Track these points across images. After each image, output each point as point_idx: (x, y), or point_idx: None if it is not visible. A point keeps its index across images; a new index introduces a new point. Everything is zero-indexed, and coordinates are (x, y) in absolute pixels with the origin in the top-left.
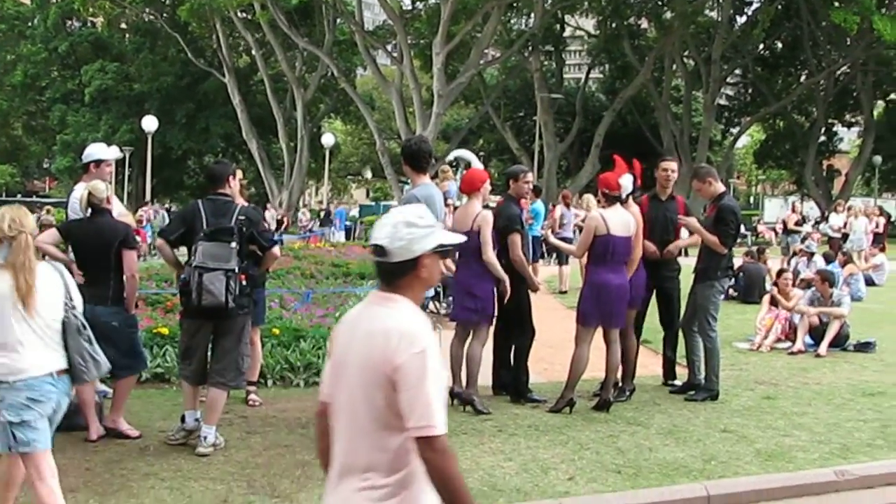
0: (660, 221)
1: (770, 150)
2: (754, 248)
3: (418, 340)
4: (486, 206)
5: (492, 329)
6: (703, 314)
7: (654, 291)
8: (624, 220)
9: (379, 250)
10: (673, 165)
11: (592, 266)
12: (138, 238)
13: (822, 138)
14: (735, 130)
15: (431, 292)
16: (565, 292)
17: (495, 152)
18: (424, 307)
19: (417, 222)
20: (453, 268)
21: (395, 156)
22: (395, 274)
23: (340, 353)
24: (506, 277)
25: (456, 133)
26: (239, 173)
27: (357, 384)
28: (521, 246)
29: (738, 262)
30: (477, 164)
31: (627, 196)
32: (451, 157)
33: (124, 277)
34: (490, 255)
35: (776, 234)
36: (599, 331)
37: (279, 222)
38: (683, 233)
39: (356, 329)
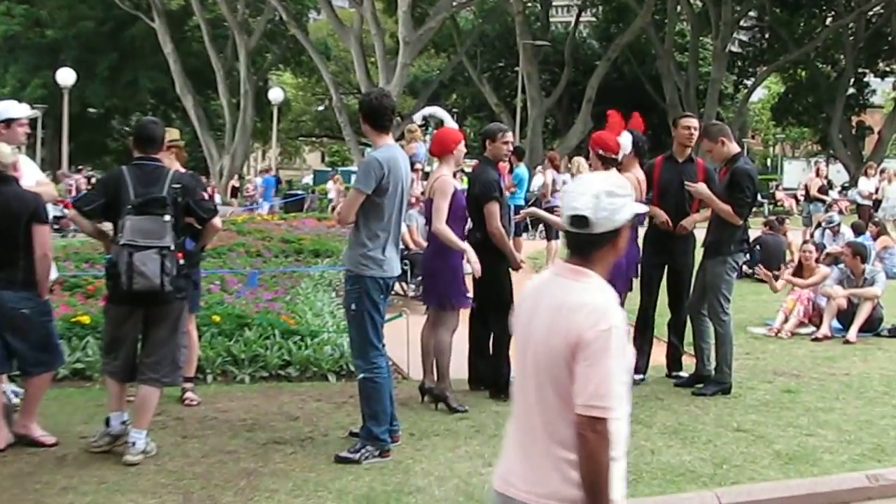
0: (675, 187)
1: (790, 105)
2: (772, 218)
3: (607, 317)
4: (461, 172)
5: (467, 313)
6: (714, 294)
7: (665, 269)
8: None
9: (580, 221)
10: (695, 123)
11: None
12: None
13: (851, 90)
14: (749, 82)
15: (398, 271)
16: None
17: (471, 109)
18: (389, 288)
19: (618, 191)
20: (423, 243)
21: (353, 114)
22: (593, 245)
23: (522, 326)
24: (467, 248)
25: (425, 87)
26: (174, 132)
27: (543, 359)
28: (500, 217)
29: (753, 233)
30: (450, 123)
31: (625, 157)
32: (420, 115)
33: (35, 257)
34: (440, 224)
35: (797, 201)
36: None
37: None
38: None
39: (540, 302)
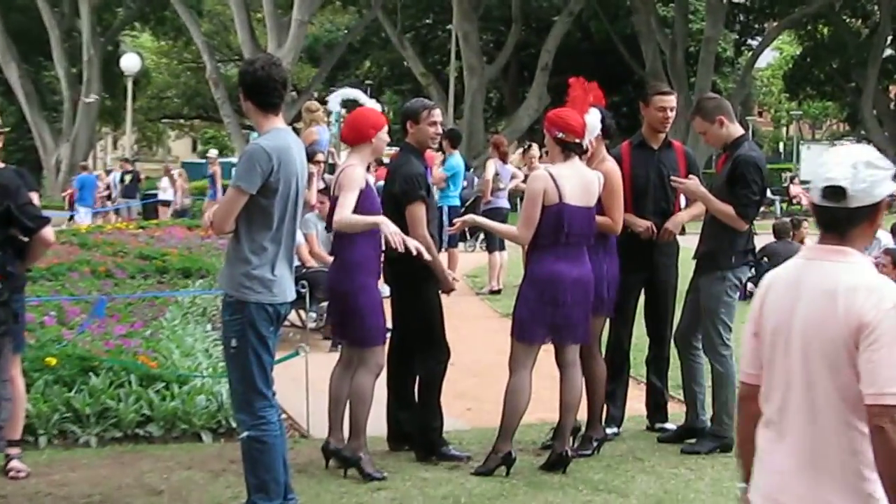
0: (652, 182)
1: (809, 72)
2: (786, 221)
3: (889, 295)
4: (378, 165)
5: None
6: (710, 321)
7: (643, 288)
8: (585, 182)
9: (836, 193)
10: (672, 100)
11: (538, 251)
12: None
13: (889, 52)
14: (755, 42)
15: (292, 294)
16: (498, 291)
17: (389, 80)
18: (282, 317)
19: (878, 163)
20: (327, 257)
21: (233, 88)
22: (850, 221)
23: (777, 320)
24: (381, 220)
25: (328, 52)
26: None
27: (816, 351)
28: (427, 222)
29: (760, 241)
30: (369, 103)
31: (593, 143)
32: (336, 100)
33: None
34: (343, 214)
35: None
36: (550, 351)
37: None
38: (685, 199)
39: (801, 291)
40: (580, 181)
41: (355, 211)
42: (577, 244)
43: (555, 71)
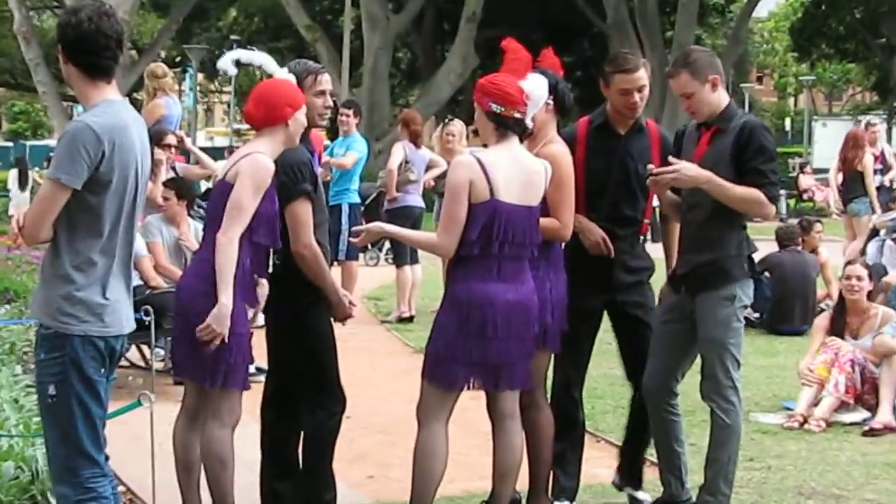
0: (612, 178)
1: (824, 24)
2: (793, 223)
3: None
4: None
5: (255, 396)
6: (718, 357)
7: (601, 316)
8: (527, 173)
9: None
10: (640, 78)
11: (462, 266)
12: None
13: None
14: None
15: (131, 324)
16: (410, 319)
17: (262, 34)
18: (117, 354)
19: None
20: (175, 271)
21: (52, 45)
22: None
23: None
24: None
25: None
26: None
27: None
28: (313, 226)
29: (759, 250)
30: (276, 70)
31: (537, 119)
32: (227, 62)
33: None
34: (226, 234)
35: (839, 192)
36: (481, 399)
37: None
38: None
39: None
40: (520, 171)
41: (252, 220)
42: (516, 256)
43: (485, 23)
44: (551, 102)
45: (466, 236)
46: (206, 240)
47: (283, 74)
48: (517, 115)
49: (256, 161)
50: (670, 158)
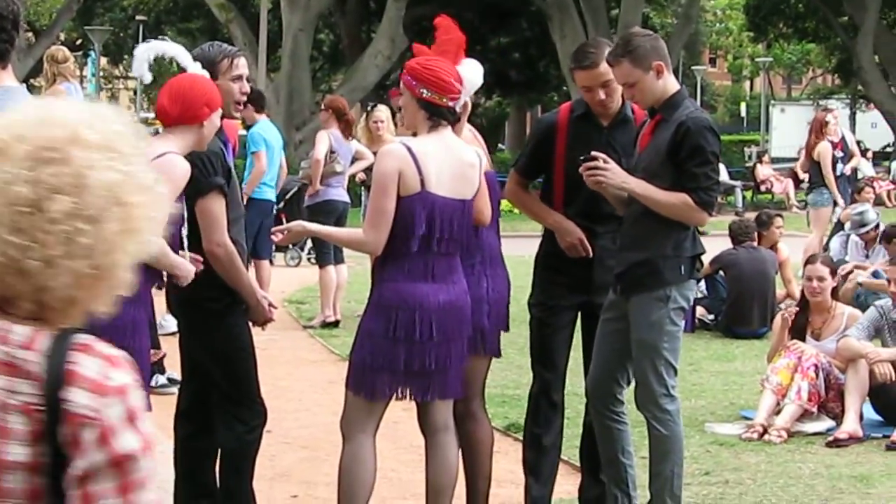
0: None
1: (780, 2)
2: (748, 219)
3: None
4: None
5: (166, 408)
6: (650, 362)
7: (576, 318)
8: (460, 164)
9: None
10: (600, 74)
11: (389, 264)
12: None
13: None
14: None
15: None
16: (336, 323)
17: (171, 14)
18: None
19: None
20: None
21: None
22: None
23: None
24: (180, 265)
25: None
26: None
27: None
28: (227, 223)
29: (712, 246)
30: (191, 64)
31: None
32: (141, 60)
33: None
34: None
35: (797, 182)
36: (412, 410)
37: None
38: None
39: None
40: (453, 162)
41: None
42: (448, 253)
43: (414, 1)
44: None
45: (395, 231)
46: None
47: (197, 69)
48: (450, 103)
49: (172, 163)
50: (595, 154)
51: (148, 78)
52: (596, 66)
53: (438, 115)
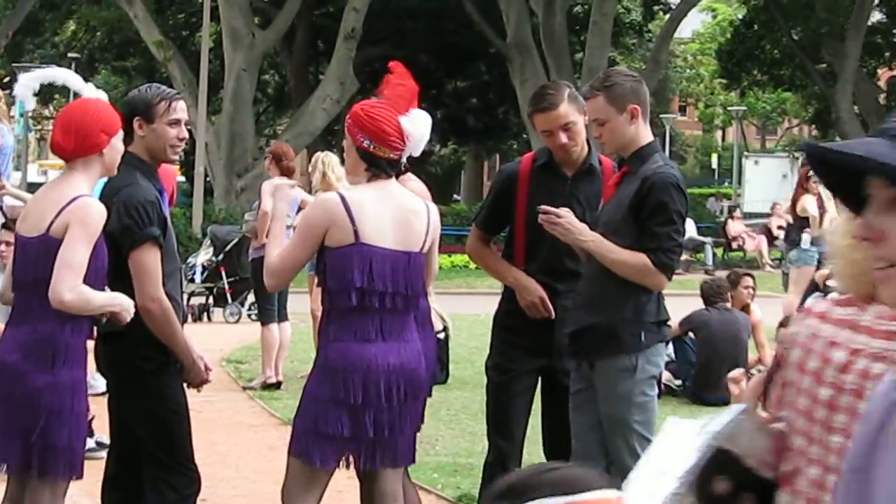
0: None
1: (756, 46)
2: (719, 278)
3: None
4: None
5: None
6: (622, 438)
7: (536, 384)
8: (402, 213)
9: None
10: (559, 116)
11: (335, 323)
12: None
13: (877, 15)
14: (675, 0)
15: None
16: (278, 385)
17: (106, 51)
18: None
19: None
20: None
21: None
22: None
23: None
24: (112, 300)
25: (9, 6)
26: None
27: None
28: (163, 276)
29: (680, 307)
30: (83, 88)
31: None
32: (24, 85)
33: None
34: (77, 287)
35: (771, 238)
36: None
37: None
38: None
39: None
40: (394, 212)
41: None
42: (397, 310)
43: (366, 41)
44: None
45: (334, 285)
46: (24, 307)
47: (93, 92)
48: (392, 156)
49: (87, 207)
50: (545, 209)
51: (30, 104)
52: (555, 107)
53: (378, 167)
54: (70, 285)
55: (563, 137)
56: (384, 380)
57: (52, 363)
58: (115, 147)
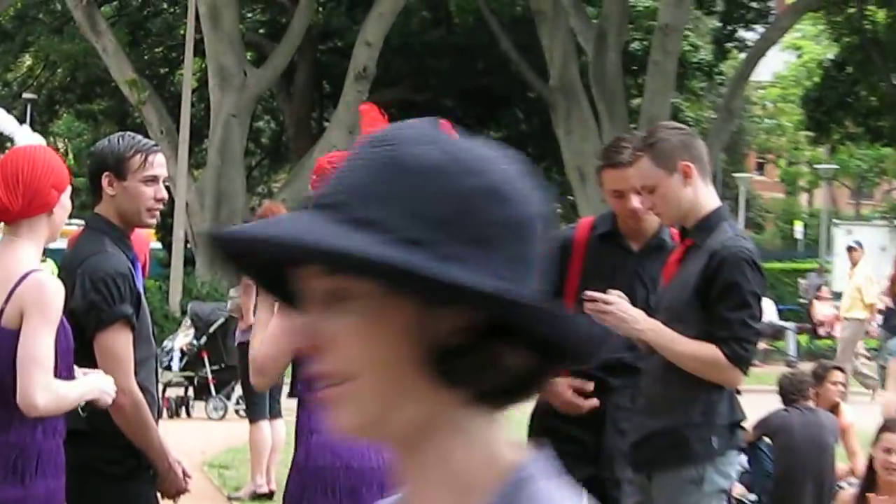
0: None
1: (850, 92)
2: (802, 371)
3: None
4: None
5: None
6: None
7: (595, 498)
8: None
9: None
10: (637, 175)
11: (316, 413)
12: None
13: None
14: (752, 36)
15: None
16: (269, 495)
17: (69, 91)
18: None
19: None
20: None
21: None
22: None
23: None
24: (86, 386)
25: None
26: None
27: None
28: (132, 364)
29: (755, 406)
30: (27, 137)
31: None
32: None
33: None
34: (50, 385)
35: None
36: None
37: None
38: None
39: None
40: None
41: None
42: None
43: (380, 81)
44: None
45: (303, 370)
46: None
47: (28, 137)
48: None
49: (42, 287)
50: (592, 295)
51: None
52: (629, 163)
53: None
54: (42, 385)
55: (634, 201)
56: (377, 481)
57: (23, 475)
58: (65, 206)
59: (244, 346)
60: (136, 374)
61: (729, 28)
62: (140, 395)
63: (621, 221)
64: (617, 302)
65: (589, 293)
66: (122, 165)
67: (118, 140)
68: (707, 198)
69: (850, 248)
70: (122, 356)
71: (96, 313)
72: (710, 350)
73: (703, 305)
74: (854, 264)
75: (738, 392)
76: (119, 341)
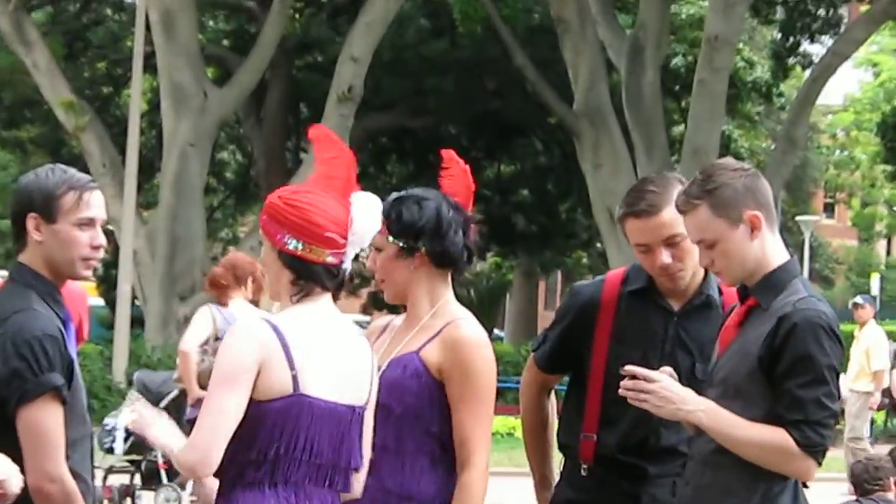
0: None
1: None
2: (881, 456)
3: None
4: None
5: None
6: None
7: None
8: (345, 351)
9: None
10: (673, 223)
11: (238, 499)
12: None
13: None
14: (819, 52)
15: None
16: None
17: None
18: None
19: None
20: None
21: None
22: None
23: None
24: None
25: None
26: None
27: None
28: (62, 445)
29: (820, 497)
30: None
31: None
32: None
33: None
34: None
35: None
36: None
37: None
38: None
39: None
40: (337, 347)
41: None
42: (323, 483)
43: (370, 104)
44: (404, 244)
45: (250, 450)
46: None
47: None
48: (328, 260)
49: None
50: (632, 370)
51: None
52: (656, 211)
53: (310, 277)
54: None
55: (666, 256)
56: None
57: None
58: None
59: (193, 422)
60: (67, 457)
61: (791, 41)
62: (72, 483)
63: (655, 277)
64: (660, 380)
65: (629, 368)
66: (51, 205)
67: (47, 174)
68: (774, 251)
69: (855, 305)
70: (49, 435)
71: (19, 383)
72: (778, 436)
73: (769, 380)
74: (862, 324)
75: (805, 484)
76: (46, 417)
